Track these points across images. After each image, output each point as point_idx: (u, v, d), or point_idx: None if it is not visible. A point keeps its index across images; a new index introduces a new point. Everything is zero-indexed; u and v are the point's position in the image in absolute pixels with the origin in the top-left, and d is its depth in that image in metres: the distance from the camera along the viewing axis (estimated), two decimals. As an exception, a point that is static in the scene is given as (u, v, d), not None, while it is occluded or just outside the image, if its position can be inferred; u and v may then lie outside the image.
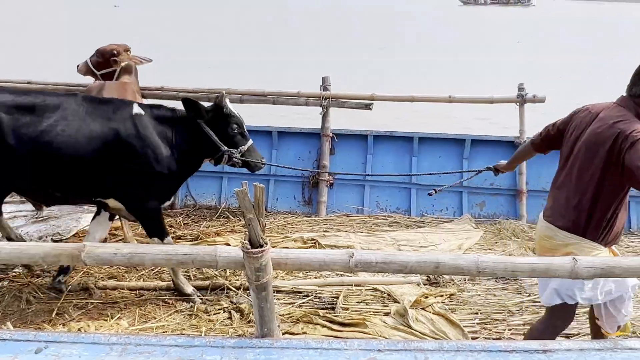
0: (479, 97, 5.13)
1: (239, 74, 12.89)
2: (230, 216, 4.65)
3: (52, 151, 2.79)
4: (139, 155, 2.93)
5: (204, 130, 3.05)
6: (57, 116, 2.83)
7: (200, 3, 48.42)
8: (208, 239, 4.09)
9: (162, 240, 3.11)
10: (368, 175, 4.93)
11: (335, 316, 3.01)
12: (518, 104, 4.69)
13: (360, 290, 3.34)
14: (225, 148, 3.09)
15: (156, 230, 3.15)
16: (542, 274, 1.78)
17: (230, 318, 3.03)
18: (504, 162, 2.97)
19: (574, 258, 1.63)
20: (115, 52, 3.85)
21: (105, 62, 3.87)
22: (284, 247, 3.69)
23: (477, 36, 28.95)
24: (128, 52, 3.97)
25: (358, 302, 3.21)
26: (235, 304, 3.16)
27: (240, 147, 3.15)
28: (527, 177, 4.60)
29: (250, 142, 3.25)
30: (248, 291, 3.05)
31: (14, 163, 2.80)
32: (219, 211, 4.71)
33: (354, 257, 1.62)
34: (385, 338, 2.76)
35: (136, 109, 3.02)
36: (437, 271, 2.32)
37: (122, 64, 3.86)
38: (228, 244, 3.84)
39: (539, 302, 3.14)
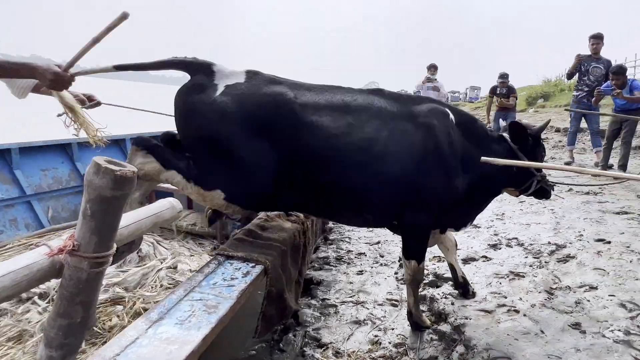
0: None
1: None
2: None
3: (385, 163, 2.33)
4: (443, 169, 2.49)
5: (518, 156, 2.72)
6: (391, 124, 2.40)
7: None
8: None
9: (419, 265, 2.66)
10: None
11: None
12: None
13: None
14: (539, 174, 2.83)
15: (419, 251, 2.68)
16: None
17: None
18: None
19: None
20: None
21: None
22: None
23: None
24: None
25: None
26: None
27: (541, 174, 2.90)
28: None
29: None
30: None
31: (347, 182, 2.33)
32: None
33: None
34: None
35: (450, 113, 2.60)
36: None
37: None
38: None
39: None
